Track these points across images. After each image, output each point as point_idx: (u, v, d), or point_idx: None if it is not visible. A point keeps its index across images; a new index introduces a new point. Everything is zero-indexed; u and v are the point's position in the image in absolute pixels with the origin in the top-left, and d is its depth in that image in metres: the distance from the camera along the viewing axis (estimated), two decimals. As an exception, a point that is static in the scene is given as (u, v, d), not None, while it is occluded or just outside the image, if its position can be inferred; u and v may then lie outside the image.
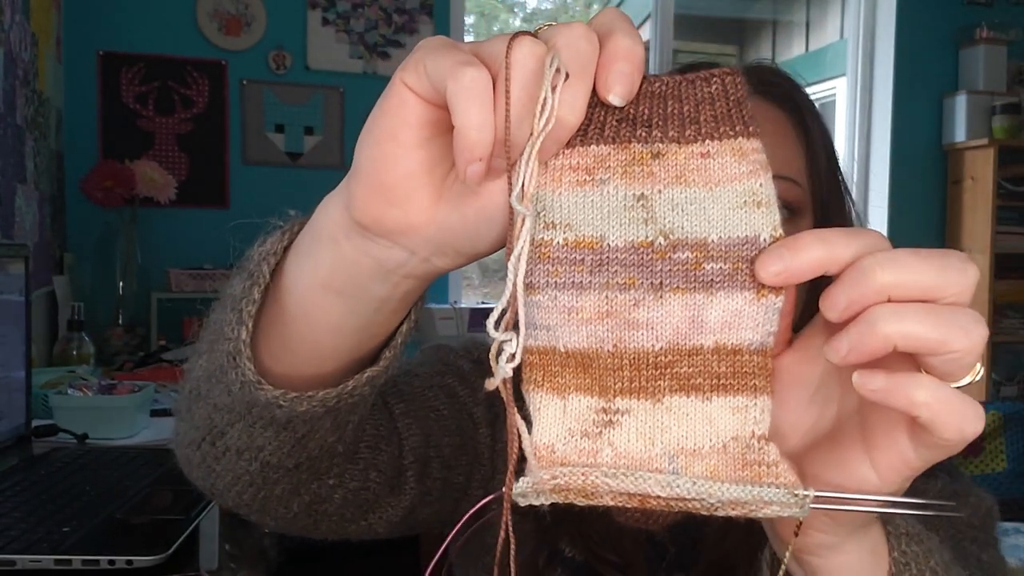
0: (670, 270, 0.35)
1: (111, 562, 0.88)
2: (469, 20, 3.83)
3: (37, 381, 1.60)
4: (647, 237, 0.35)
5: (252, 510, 0.57)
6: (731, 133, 0.35)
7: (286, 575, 1.92)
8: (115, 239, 2.72)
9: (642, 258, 0.35)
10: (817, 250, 0.34)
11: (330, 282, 0.41)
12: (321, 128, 3.16)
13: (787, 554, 0.42)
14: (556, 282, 0.35)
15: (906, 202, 3.74)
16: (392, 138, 0.36)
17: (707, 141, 0.35)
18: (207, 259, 2.95)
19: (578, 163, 0.35)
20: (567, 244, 0.35)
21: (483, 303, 3.54)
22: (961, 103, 3.68)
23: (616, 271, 0.35)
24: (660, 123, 0.35)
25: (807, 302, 0.64)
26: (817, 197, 0.69)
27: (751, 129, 0.35)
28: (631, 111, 0.36)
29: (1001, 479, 2.87)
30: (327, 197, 0.41)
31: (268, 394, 0.44)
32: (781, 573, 0.43)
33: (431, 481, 0.66)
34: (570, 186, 0.35)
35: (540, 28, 0.35)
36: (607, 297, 0.35)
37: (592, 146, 0.35)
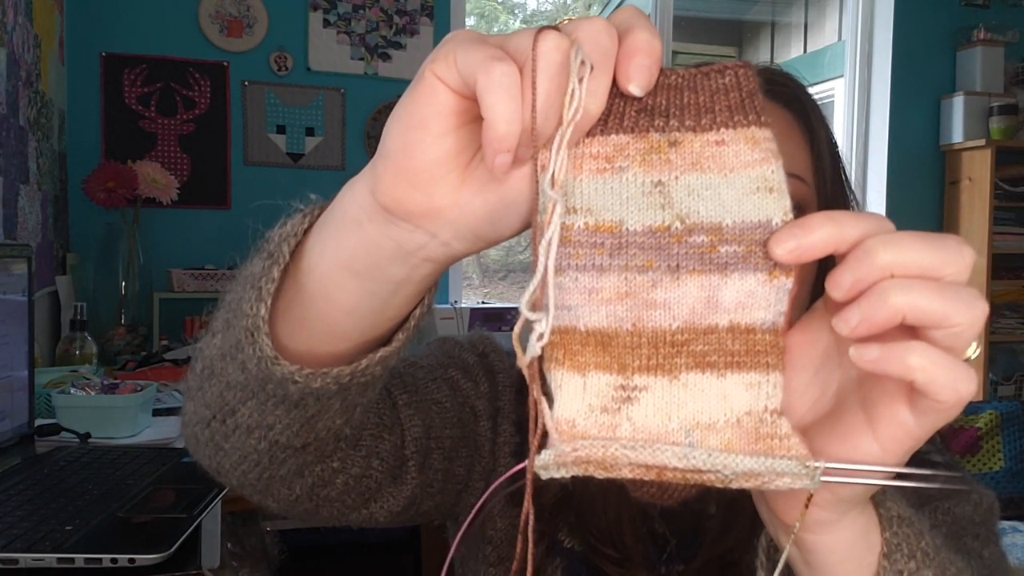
0: (686, 253, 0.36)
1: (113, 560, 0.88)
2: (469, 22, 3.83)
3: (40, 380, 1.61)
4: (664, 221, 0.36)
5: (256, 490, 0.57)
6: (744, 122, 0.36)
7: (287, 574, 1.93)
8: (117, 239, 2.73)
9: (659, 241, 0.36)
10: (828, 229, 0.35)
11: (351, 263, 0.43)
12: (322, 129, 3.17)
13: (796, 526, 0.42)
14: (577, 264, 0.36)
15: (904, 202, 3.75)
16: (421, 126, 0.37)
17: (722, 129, 0.36)
18: (209, 259, 2.97)
19: (598, 151, 0.37)
20: (588, 228, 0.36)
21: (483, 303, 3.54)
22: (958, 104, 3.68)
23: (635, 254, 0.36)
24: (677, 113, 0.37)
25: (812, 289, 0.66)
26: (822, 195, 0.70)
27: (763, 119, 0.36)
28: (649, 102, 0.37)
29: (998, 478, 2.88)
30: (351, 181, 0.42)
31: (284, 369, 0.45)
32: (786, 552, 0.44)
33: (432, 472, 0.67)
34: (591, 173, 0.37)
35: (561, 22, 0.36)
36: (626, 278, 0.36)
37: (612, 135, 0.37)
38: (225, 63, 3.07)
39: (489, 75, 0.34)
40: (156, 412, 1.66)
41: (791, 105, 0.72)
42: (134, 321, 2.70)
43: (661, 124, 0.37)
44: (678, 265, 0.36)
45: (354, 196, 0.42)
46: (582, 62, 0.34)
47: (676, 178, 0.36)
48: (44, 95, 2.43)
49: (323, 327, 0.46)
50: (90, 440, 1.43)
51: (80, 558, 0.88)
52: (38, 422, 1.47)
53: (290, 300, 0.46)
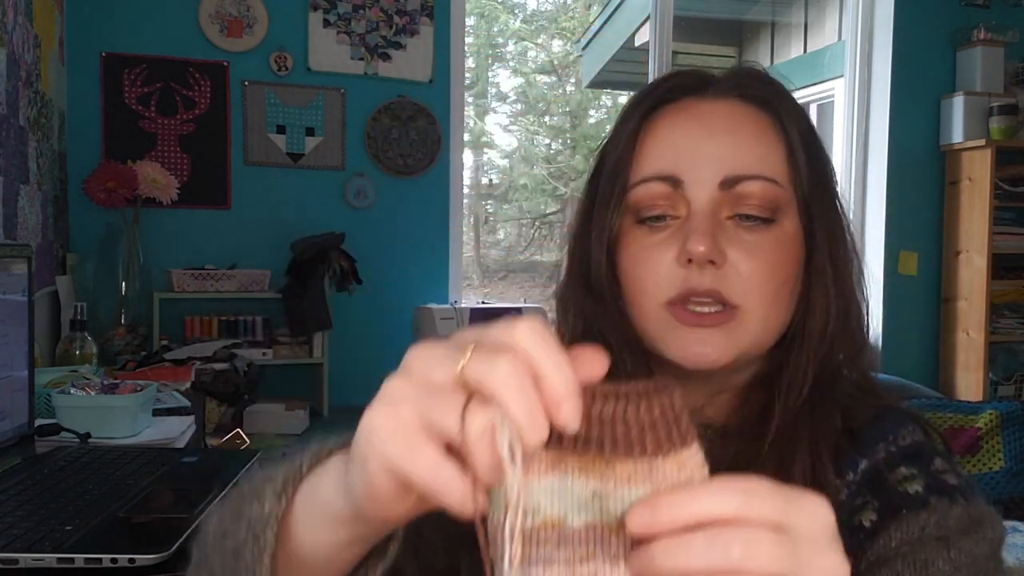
0: (624, 542, 0.40)
1: (113, 560, 0.88)
2: (469, 22, 3.84)
3: (40, 380, 1.61)
4: (602, 520, 0.41)
5: None
6: (673, 449, 0.41)
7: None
8: (117, 239, 2.74)
9: (599, 535, 0.41)
10: (680, 510, 0.38)
11: (340, 532, 0.47)
12: (322, 129, 3.17)
13: None
14: (527, 556, 0.41)
15: (904, 203, 3.74)
16: (376, 498, 0.42)
17: (653, 459, 0.41)
18: (209, 259, 2.97)
19: (541, 459, 0.41)
20: (534, 526, 0.41)
21: (483, 303, 3.55)
22: (958, 104, 3.69)
23: (577, 547, 0.41)
24: (611, 445, 0.41)
25: (798, 275, 0.67)
26: (799, 196, 0.70)
27: (689, 439, 0.41)
28: (583, 432, 0.41)
29: (998, 478, 2.88)
30: (330, 468, 0.47)
31: None
32: None
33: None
34: (535, 476, 0.41)
35: (466, 348, 0.39)
36: (572, 570, 0.41)
37: (553, 450, 0.41)
38: (225, 63, 3.07)
39: (425, 477, 0.38)
40: (156, 412, 1.66)
41: (764, 107, 0.71)
42: (134, 321, 2.71)
43: (597, 450, 0.41)
44: (616, 554, 0.40)
45: (333, 497, 0.46)
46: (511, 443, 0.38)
47: (612, 489, 0.41)
48: (44, 95, 2.43)
49: (322, 563, 0.50)
50: (90, 440, 1.43)
51: (80, 558, 0.88)
52: (38, 422, 1.47)
53: (283, 564, 0.50)
